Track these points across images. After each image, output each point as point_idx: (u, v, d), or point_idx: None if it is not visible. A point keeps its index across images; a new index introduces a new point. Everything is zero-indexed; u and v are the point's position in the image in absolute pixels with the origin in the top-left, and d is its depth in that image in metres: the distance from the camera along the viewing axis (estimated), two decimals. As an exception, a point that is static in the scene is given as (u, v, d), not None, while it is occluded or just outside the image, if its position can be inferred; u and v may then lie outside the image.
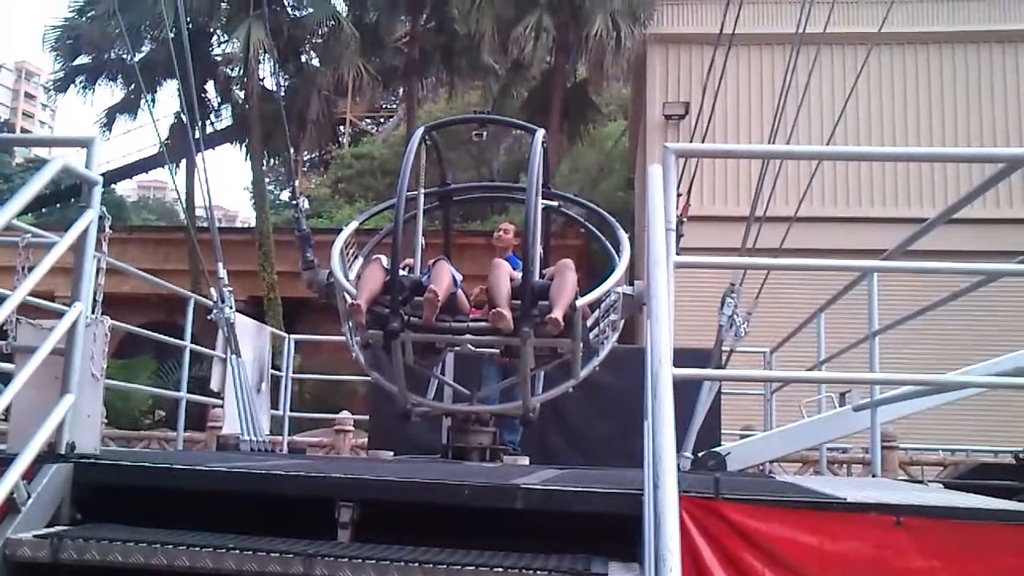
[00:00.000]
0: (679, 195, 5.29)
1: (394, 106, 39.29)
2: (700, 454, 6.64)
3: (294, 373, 9.32)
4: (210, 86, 23.43)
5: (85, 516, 3.43)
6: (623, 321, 6.24)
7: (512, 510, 3.24)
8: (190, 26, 16.05)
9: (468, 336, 5.73)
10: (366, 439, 9.23)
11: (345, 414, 10.54)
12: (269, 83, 22.08)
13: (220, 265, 7.43)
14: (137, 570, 3.00)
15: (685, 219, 6.59)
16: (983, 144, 15.76)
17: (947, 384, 5.46)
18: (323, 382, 15.89)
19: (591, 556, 3.04)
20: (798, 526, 2.96)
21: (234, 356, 7.46)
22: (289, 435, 9.40)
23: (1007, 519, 2.99)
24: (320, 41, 22.46)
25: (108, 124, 23.73)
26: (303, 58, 23.31)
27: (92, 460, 3.68)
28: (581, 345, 5.69)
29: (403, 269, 5.89)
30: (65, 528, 3.29)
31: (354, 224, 6.76)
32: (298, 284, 7.64)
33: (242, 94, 23.29)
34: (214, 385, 7.67)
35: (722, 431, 7.81)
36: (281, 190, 38.31)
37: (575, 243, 16.93)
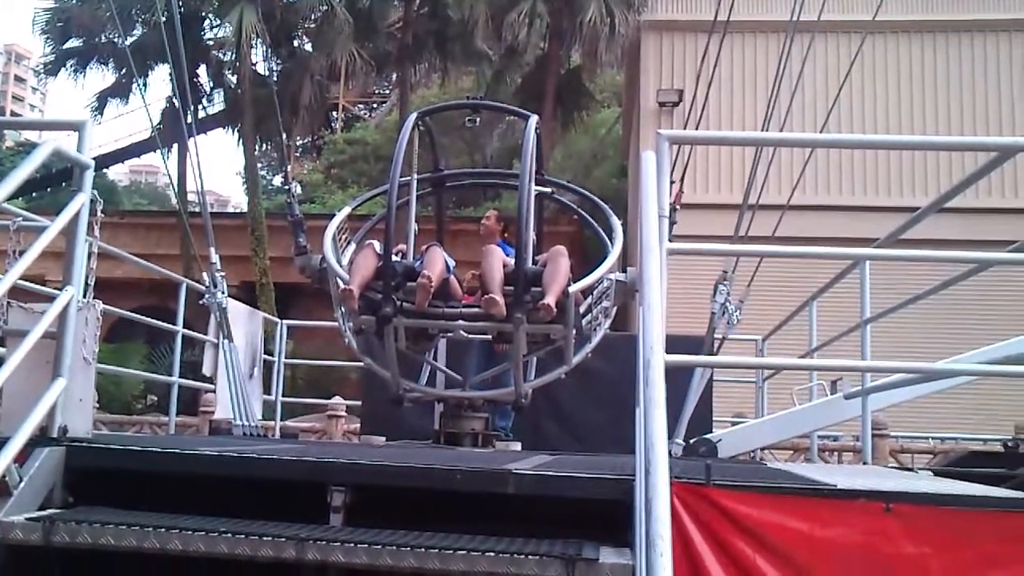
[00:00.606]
0: (672, 182, 5.28)
1: (387, 92, 39.21)
2: (692, 441, 6.66)
3: (287, 358, 9.31)
4: (202, 70, 23.35)
5: (77, 499, 3.43)
6: (616, 308, 6.25)
7: (504, 495, 3.25)
8: (182, 10, 15.96)
9: (461, 322, 5.74)
10: (358, 424, 9.24)
11: (337, 399, 10.54)
12: (261, 68, 22.09)
13: (212, 250, 7.41)
14: (129, 553, 3.01)
15: (678, 206, 6.59)
16: (976, 133, 15.78)
17: (938, 372, 5.48)
18: (316, 367, 15.88)
19: (583, 541, 3.05)
20: (788, 512, 2.98)
21: (226, 341, 7.45)
22: (281, 420, 9.39)
23: (996, 506, 3.02)
24: (313, 26, 22.39)
25: (99, 108, 23.67)
26: (296, 43, 23.25)
27: (84, 444, 3.68)
28: (573, 331, 5.70)
29: (396, 255, 5.89)
30: (57, 511, 3.29)
31: (347, 210, 6.74)
32: (291, 269, 7.63)
33: (234, 79, 23.22)
34: (206, 370, 7.66)
35: (714, 418, 7.82)
36: (274, 175, 38.25)
37: (568, 230, 16.93)
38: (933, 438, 11.87)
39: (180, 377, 7.53)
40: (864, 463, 5.91)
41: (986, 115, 16.27)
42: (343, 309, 6.01)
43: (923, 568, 2.90)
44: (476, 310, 5.62)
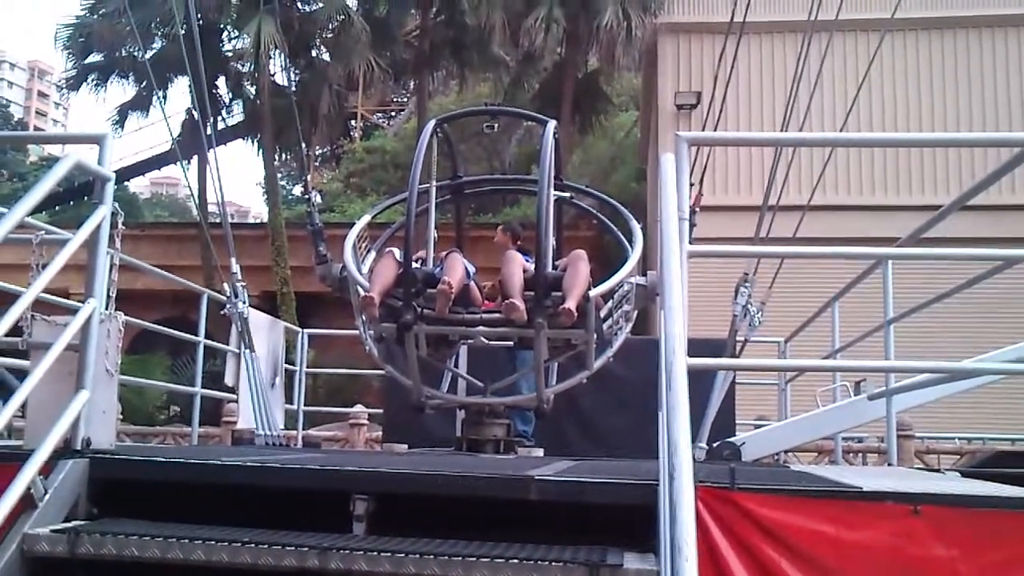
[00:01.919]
0: (691, 185, 5.27)
1: (405, 99, 39.37)
2: (715, 444, 6.62)
3: (308, 367, 9.33)
4: (221, 82, 23.48)
5: (101, 511, 3.45)
6: (636, 312, 6.23)
7: (527, 501, 3.23)
8: (200, 22, 16.10)
9: (481, 328, 5.73)
10: (380, 432, 9.25)
11: (359, 408, 10.56)
12: (280, 78, 22.14)
13: (233, 260, 7.45)
14: (153, 564, 3.01)
15: (698, 209, 6.57)
16: (998, 129, 15.64)
17: (963, 371, 5.43)
18: (337, 376, 15.91)
19: (607, 547, 3.03)
20: (814, 515, 2.95)
21: (248, 351, 7.47)
22: (304, 429, 9.41)
23: (1025, 507, 2.97)
24: (330, 35, 22.46)
25: (120, 121, 23.85)
26: (314, 53, 23.34)
27: (108, 455, 3.70)
28: (595, 336, 5.68)
29: (416, 262, 5.89)
30: (82, 523, 3.30)
31: (366, 218, 6.76)
32: (311, 279, 7.65)
33: (253, 90, 23.35)
34: (228, 380, 7.68)
35: (737, 421, 7.78)
36: (293, 185, 38.48)
37: (587, 234, 16.92)
38: (959, 439, 11.76)
39: (202, 388, 7.57)
40: (889, 464, 5.86)
41: (1008, 111, 16.13)
42: (364, 317, 6.01)
43: (952, 570, 2.86)
44: (497, 316, 5.62)
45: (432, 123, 6.33)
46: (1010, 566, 2.86)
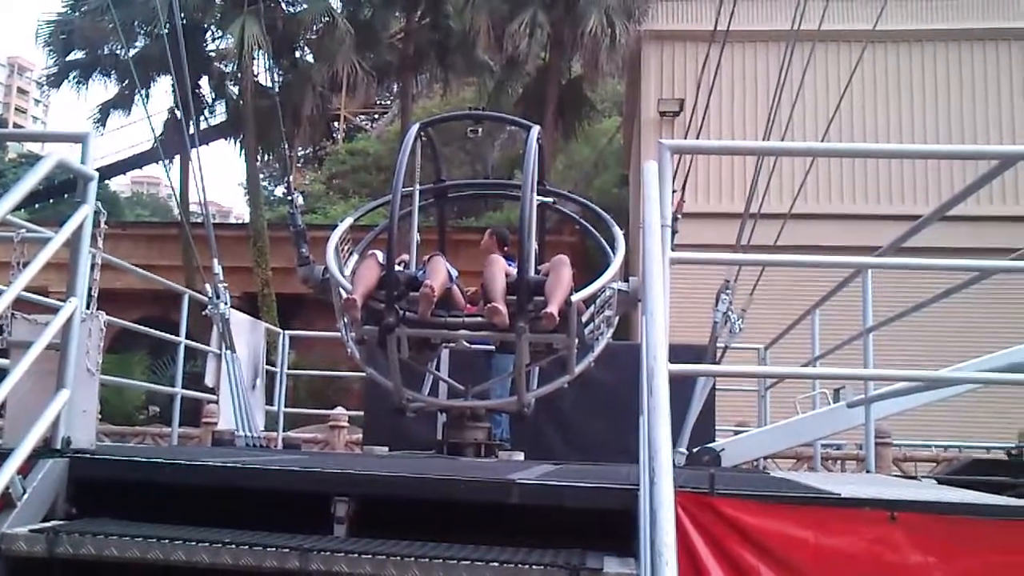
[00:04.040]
0: (674, 191, 5.30)
1: (389, 102, 39.29)
2: (695, 450, 6.65)
3: (289, 369, 9.30)
4: (204, 82, 23.38)
5: (81, 511, 3.43)
6: (618, 317, 6.25)
7: (508, 505, 3.24)
8: (184, 21, 16.04)
9: (463, 331, 5.74)
10: (361, 435, 9.23)
11: (340, 410, 10.53)
12: (263, 79, 22.10)
13: (215, 261, 7.42)
14: (133, 564, 3.00)
15: (680, 216, 6.61)
16: (976, 141, 15.80)
17: (941, 380, 5.47)
18: (318, 378, 15.87)
19: (587, 551, 3.05)
20: (793, 521, 2.97)
21: (229, 352, 7.45)
22: (284, 431, 9.39)
23: (1000, 514, 3.01)
24: (314, 37, 22.43)
25: (102, 120, 23.72)
26: (297, 54, 23.31)
27: (88, 455, 3.68)
28: (576, 341, 5.70)
29: (398, 265, 5.89)
30: (61, 523, 3.28)
31: (349, 220, 6.75)
32: (293, 280, 7.64)
33: (236, 90, 23.27)
34: (209, 381, 7.65)
35: (716, 427, 7.81)
36: (275, 186, 38.34)
37: (570, 240, 16.92)
38: (936, 446, 11.85)
39: (183, 388, 7.53)
40: (868, 471, 5.90)
41: (986, 123, 16.30)
42: (346, 319, 6.01)
43: (928, 576, 2.89)
44: (479, 319, 5.62)
45: (416, 127, 6.33)
46: (984, 572, 2.90)
